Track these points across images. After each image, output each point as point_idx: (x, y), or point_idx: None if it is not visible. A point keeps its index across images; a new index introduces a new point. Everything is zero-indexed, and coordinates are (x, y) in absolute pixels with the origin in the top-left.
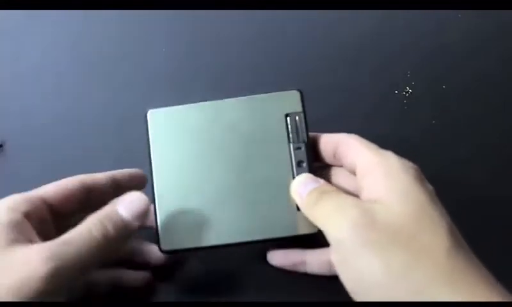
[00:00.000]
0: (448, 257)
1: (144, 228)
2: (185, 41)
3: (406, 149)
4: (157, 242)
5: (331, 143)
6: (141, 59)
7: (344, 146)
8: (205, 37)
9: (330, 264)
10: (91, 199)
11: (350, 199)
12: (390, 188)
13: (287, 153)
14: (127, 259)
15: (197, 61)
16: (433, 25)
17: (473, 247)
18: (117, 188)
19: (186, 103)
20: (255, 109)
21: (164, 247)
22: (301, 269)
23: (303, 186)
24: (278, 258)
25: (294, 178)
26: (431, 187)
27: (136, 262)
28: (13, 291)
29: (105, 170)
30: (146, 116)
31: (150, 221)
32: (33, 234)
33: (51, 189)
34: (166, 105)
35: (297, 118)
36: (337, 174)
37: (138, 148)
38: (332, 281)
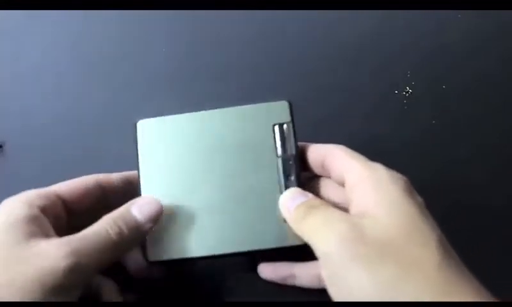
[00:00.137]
0: (439, 270)
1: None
2: (185, 41)
3: (406, 149)
4: (143, 252)
5: (319, 154)
6: (141, 59)
7: (332, 157)
8: (205, 37)
9: (320, 278)
10: (105, 198)
11: (338, 213)
12: (379, 200)
13: (275, 164)
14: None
15: (197, 61)
16: (433, 25)
17: (472, 247)
18: (130, 189)
19: (185, 104)
20: (244, 119)
21: (151, 257)
22: (291, 282)
23: (290, 200)
24: (267, 271)
25: (282, 189)
26: (420, 199)
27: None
28: (36, 282)
29: (105, 170)
30: (135, 126)
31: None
32: (50, 229)
33: (66, 186)
34: (166, 106)
35: (286, 128)
36: (326, 186)
37: None
38: (323, 295)
